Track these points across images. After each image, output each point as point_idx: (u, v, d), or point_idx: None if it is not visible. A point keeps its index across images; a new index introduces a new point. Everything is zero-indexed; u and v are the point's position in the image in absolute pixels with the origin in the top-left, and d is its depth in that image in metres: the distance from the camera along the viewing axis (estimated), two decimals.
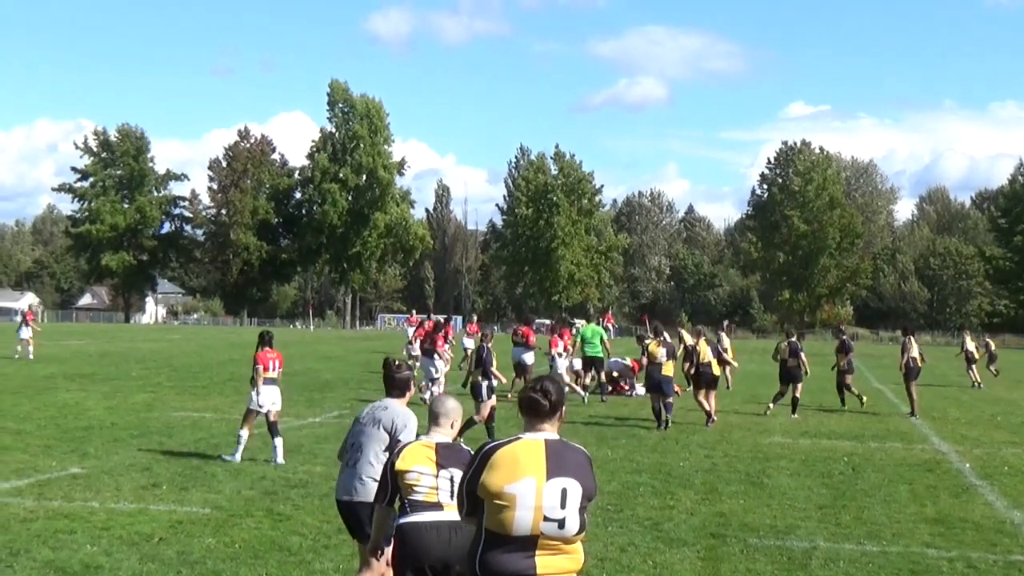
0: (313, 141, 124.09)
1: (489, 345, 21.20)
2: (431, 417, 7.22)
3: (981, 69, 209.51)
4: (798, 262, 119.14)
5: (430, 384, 26.76)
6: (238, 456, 16.73)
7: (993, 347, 46.33)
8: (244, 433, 16.94)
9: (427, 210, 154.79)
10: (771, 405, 26.57)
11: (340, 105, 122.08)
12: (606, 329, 35.41)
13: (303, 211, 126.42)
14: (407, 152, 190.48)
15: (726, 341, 31.13)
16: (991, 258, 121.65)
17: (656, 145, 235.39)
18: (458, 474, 6.40)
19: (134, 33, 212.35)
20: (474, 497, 5.67)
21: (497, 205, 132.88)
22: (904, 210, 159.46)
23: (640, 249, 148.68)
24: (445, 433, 7.14)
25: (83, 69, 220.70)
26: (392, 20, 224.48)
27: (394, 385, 8.71)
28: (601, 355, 30.33)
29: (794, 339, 27.10)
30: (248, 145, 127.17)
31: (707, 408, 23.70)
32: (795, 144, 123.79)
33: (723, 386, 28.59)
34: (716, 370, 24.50)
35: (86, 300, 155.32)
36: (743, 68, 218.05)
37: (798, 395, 26.53)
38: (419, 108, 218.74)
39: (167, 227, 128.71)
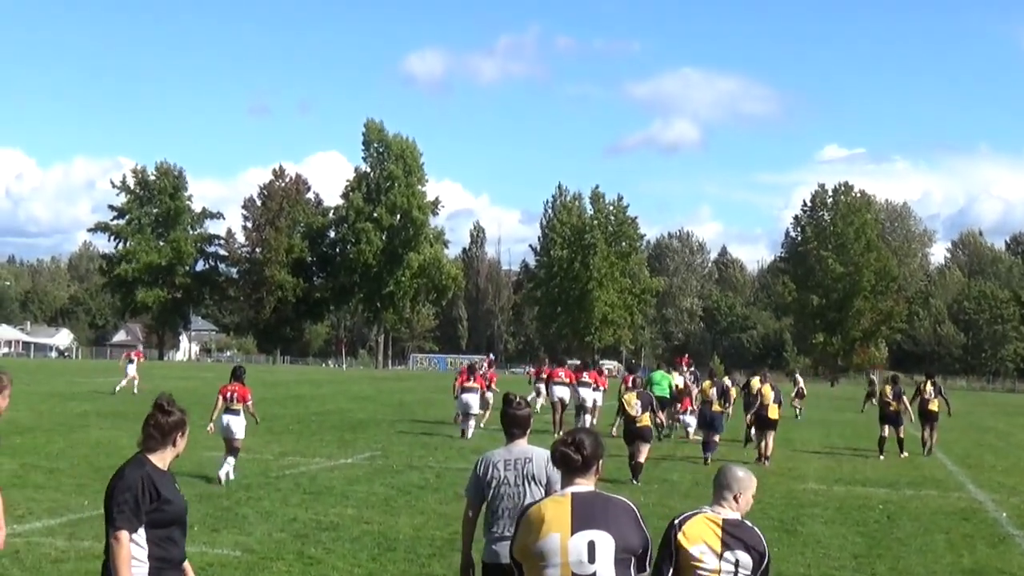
0: (348, 180, 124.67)
1: (645, 390, 23.10)
2: (716, 487, 6.10)
3: (1016, 112, 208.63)
4: (832, 305, 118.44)
5: (484, 413, 30.81)
6: (221, 474, 18.34)
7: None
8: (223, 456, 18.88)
9: (464, 249, 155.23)
10: (881, 455, 27.30)
11: (375, 145, 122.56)
12: (680, 371, 36.52)
13: (337, 250, 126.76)
14: (441, 192, 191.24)
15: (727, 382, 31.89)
16: None
17: (690, 187, 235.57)
18: (745, 559, 5.75)
19: (173, 72, 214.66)
20: (517, 563, 5.61)
21: (530, 245, 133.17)
22: (938, 253, 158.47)
23: (672, 291, 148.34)
24: (730, 507, 6.01)
25: (121, 107, 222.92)
26: (428, 61, 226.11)
27: (517, 424, 7.90)
28: (668, 397, 31.77)
29: (898, 385, 28.50)
30: (283, 184, 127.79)
31: (762, 449, 24.99)
32: (836, 186, 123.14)
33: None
34: (774, 414, 25.25)
35: (120, 336, 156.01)
36: (777, 111, 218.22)
37: (902, 436, 27.76)
38: (454, 148, 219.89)
39: (202, 264, 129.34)
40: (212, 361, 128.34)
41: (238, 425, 18.95)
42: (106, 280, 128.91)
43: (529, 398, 32.89)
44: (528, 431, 7.92)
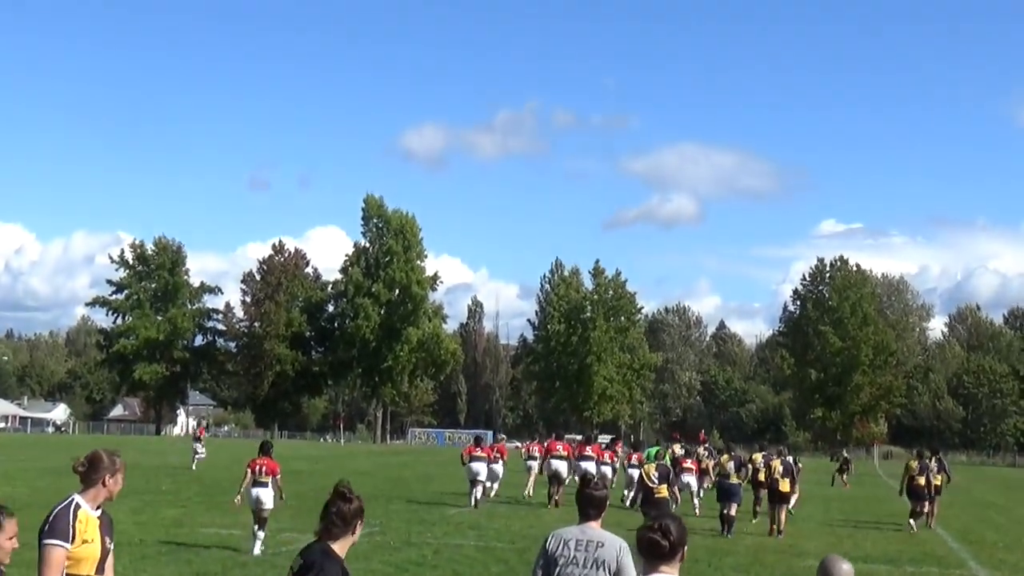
0: (347, 255, 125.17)
1: (665, 462, 24.36)
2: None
3: (1013, 187, 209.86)
4: (831, 379, 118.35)
5: (491, 485, 32.76)
6: (256, 550, 18.98)
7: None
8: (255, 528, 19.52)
9: (461, 324, 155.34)
10: (911, 523, 28.06)
11: (375, 220, 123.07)
12: (691, 449, 37.20)
13: (336, 324, 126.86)
14: (440, 266, 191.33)
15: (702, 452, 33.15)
16: None
17: (688, 261, 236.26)
18: None
19: (173, 147, 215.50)
20: None
21: (529, 320, 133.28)
22: (936, 328, 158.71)
23: (670, 365, 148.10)
24: None
25: (121, 182, 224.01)
26: (427, 136, 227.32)
27: (593, 504, 7.51)
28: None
29: (926, 459, 29.65)
30: (282, 258, 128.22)
31: (775, 521, 25.93)
32: (833, 261, 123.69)
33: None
34: (784, 487, 26.40)
35: (118, 411, 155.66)
36: (775, 185, 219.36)
37: (936, 510, 29.14)
38: (453, 223, 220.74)
39: (200, 339, 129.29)
40: (209, 436, 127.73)
41: (267, 497, 19.75)
42: (104, 355, 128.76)
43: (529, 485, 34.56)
44: (604, 513, 7.55)
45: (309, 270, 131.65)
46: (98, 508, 7.11)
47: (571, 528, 7.52)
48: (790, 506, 32.39)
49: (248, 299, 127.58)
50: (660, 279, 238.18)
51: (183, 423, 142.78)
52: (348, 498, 6.45)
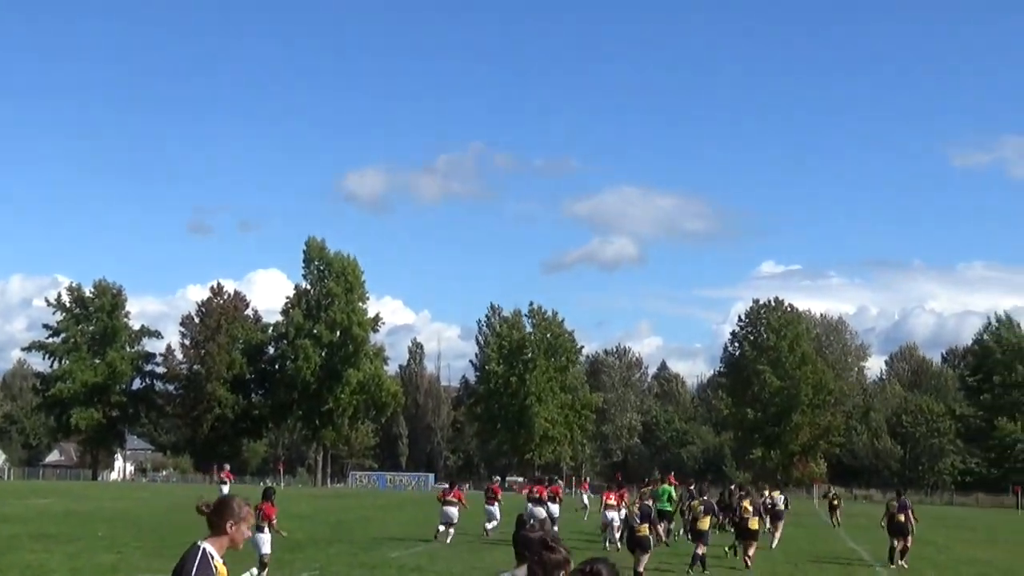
0: (288, 297, 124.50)
1: (649, 503, 25.16)
2: None
3: (948, 228, 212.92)
4: (770, 419, 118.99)
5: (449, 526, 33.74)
6: None
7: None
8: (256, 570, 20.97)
9: (400, 366, 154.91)
10: (900, 562, 29.61)
11: (316, 263, 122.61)
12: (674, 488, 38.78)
13: (276, 366, 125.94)
14: (382, 308, 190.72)
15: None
16: (962, 416, 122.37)
17: (629, 302, 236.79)
18: None
19: (113, 190, 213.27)
20: None
21: (471, 361, 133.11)
22: (875, 367, 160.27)
23: (610, 407, 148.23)
24: None
25: (59, 225, 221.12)
26: (369, 179, 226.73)
27: (527, 546, 7.11)
28: (671, 510, 35.67)
29: (903, 497, 31.50)
30: (222, 301, 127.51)
31: (746, 557, 27.68)
32: (768, 302, 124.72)
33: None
34: (754, 525, 28.17)
35: (54, 457, 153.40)
36: (715, 228, 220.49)
37: (909, 545, 30.05)
38: (394, 265, 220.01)
39: (138, 383, 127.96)
40: (148, 481, 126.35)
41: (263, 541, 21.39)
42: (40, 399, 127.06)
43: (487, 525, 36.15)
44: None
45: (249, 312, 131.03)
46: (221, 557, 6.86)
47: (505, 573, 7.39)
48: (773, 543, 35.35)
49: (188, 342, 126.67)
50: (601, 321, 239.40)
51: (120, 468, 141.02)
52: (551, 547, 6.37)
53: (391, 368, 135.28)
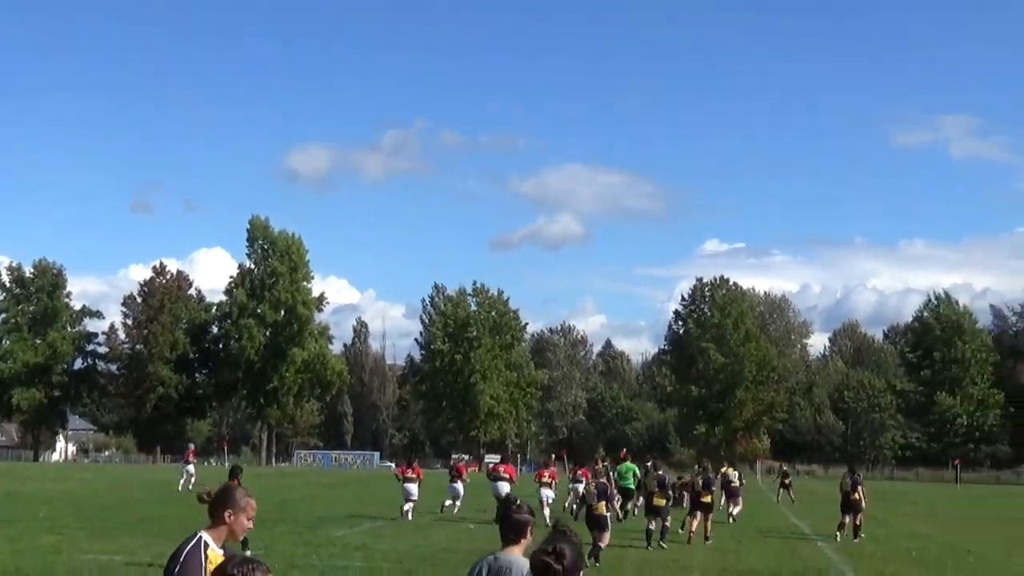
0: (231, 277, 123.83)
1: (605, 480, 25.94)
2: None
3: (888, 207, 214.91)
4: (714, 396, 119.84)
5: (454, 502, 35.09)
6: None
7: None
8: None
9: (345, 345, 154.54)
10: (837, 534, 30.23)
11: (260, 242, 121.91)
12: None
13: (220, 346, 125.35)
14: (326, 287, 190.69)
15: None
16: (902, 392, 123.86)
17: (574, 280, 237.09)
18: None
19: (52, 169, 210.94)
20: None
21: (416, 340, 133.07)
22: (818, 344, 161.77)
23: (556, 384, 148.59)
24: None
25: None
26: (313, 157, 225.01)
27: (511, 527, 7.13)
28: (633, 488, 35.75)
29: (856, 475, 31.72)
30: (164, 280, 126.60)
31: (698, 528, 28.65)
32: (712, 280, 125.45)
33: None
34: (707, 499, 29.36)
35: None
36: (660, 206, 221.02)
37: (859, 523, 30.44)
38: (338, 244, 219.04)
39: (80, 363, 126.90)
40: (90, 461, 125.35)
41: None
42: None
43: (447, 503, 36.29)
44: (523, 537, 7.09)
45: (192, 292, 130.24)
46: (222, 547, 6.69)
47: (490, 556, 7.19)
48: (734, 517, 36.47)
49: (130, 322, 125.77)
50: (546, 299, 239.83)
51: (62, 449, 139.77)
52: (570, 538, 6.23)
53: (336, 347, 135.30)
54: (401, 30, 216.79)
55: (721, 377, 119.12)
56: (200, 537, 6.62)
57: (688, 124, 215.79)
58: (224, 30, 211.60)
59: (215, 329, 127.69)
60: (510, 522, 7.12)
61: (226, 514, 6.70)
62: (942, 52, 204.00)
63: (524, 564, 6.74)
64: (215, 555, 6.53)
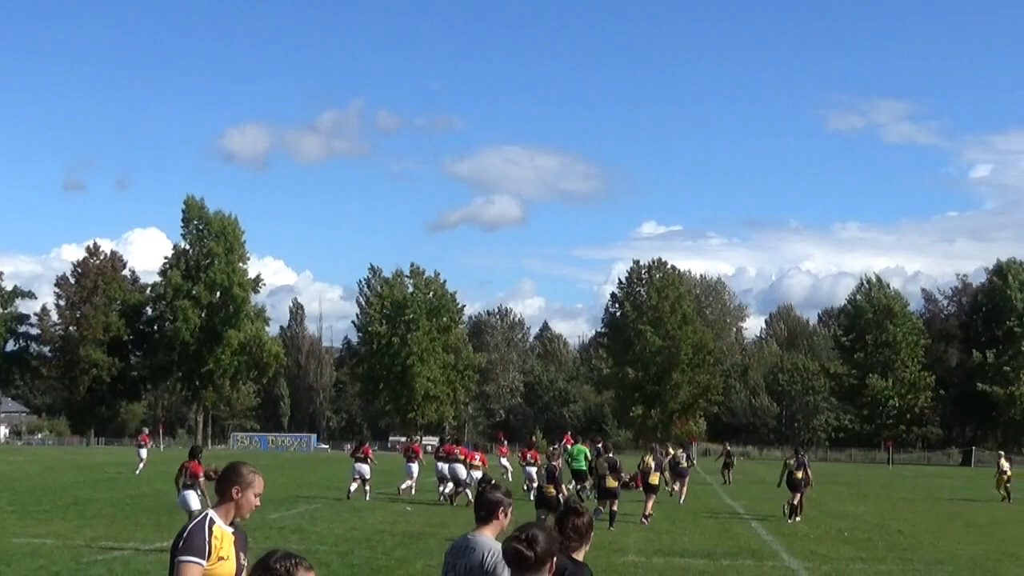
0: (166, 257, 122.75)
1: (557, 463, 25.43)
2: None
3: (821, 190, 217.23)
4: (651, 378, 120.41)
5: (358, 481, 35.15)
6: None
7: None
8: None
9: (281, 327, 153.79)
10: (786, 514, 30.81)
11: (195, 222, 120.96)
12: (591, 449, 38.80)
13: (155, 328, 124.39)
14: (263, 269, 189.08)
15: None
16: (835, 374, 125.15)
17: (512, 263, 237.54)
18: None
19: None
20: None
21: (353, 322, 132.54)
22: (753, 327, 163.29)
23: (493, 367, 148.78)
24: None
25: None
26: (248, 137, 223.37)
27: (482, 507, 7.11)
28: (585, 469, 36.17)
29: (801, 455, 32.33)
30: (98, 261, 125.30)
31: (647, 507, 29.15)
32: (649, 262, 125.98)
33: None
34: (654, 480, 30.87)
35: None
36: (597, 188, 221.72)
37: (802, 502, 31.01)
38: (275, 225, 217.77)
39: (12, 345, 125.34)
40: (23, 444, 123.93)
41: (192, 499, 22.18)
42: None
43: (403, 484, 36.83)
44: (495, 518, 7.03)
45: (127, 272, 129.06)
46: (231, 524, 6.72)
47: (461, 537, 7.25)
48: (681, 499, 37.08)
49: (63, 303, 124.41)
50: (483, 281, 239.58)
51: None
52: (580, 513, 6.57)
53: (272, 329, 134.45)
54: (337, 9, 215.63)
55: (658, 360, 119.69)
56: (207, 515, 6.67)
57: (626, 106, 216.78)
58: (159, 7, 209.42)
59: (150, 311, 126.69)
60: (480, 500, 7.17)
61: (233, 490, 6.71)
62: (875, 38, 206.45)
63: (491, 545, 6.77)
64: (221, 531, 6.58)
